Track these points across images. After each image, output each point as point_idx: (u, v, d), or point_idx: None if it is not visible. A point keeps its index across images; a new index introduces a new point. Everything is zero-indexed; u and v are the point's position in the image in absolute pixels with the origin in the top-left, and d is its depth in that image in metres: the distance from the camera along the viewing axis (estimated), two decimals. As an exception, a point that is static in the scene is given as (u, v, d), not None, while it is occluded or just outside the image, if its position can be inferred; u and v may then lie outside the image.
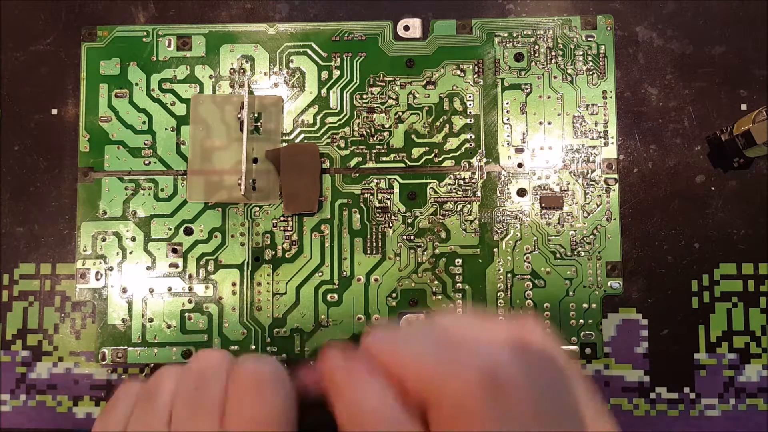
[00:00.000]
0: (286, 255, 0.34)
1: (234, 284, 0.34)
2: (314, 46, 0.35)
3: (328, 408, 0.20)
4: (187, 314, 0.34)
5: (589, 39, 0.35)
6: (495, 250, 0.34)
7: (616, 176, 0.34)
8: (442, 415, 0.17)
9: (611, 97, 0.34)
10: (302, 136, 0.35)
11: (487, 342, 0.18)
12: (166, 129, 0.35)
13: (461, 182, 0.34)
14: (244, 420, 0.19)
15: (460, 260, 0.34)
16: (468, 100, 0.35)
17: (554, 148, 0.34)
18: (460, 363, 0.17)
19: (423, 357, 0.18)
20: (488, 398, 0.17)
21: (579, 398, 0.18)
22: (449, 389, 0.17)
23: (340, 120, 0.35)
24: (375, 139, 0.35)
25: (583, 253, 0.34)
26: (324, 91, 0.35)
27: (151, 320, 0.34)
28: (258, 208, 0.34)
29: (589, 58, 0.35)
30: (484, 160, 0.34)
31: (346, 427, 0.18)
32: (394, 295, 0.34)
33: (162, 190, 0.35)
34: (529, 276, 0.34)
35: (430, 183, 0.34)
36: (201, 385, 0.20)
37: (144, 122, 0.35)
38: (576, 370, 0.19)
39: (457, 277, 0.34)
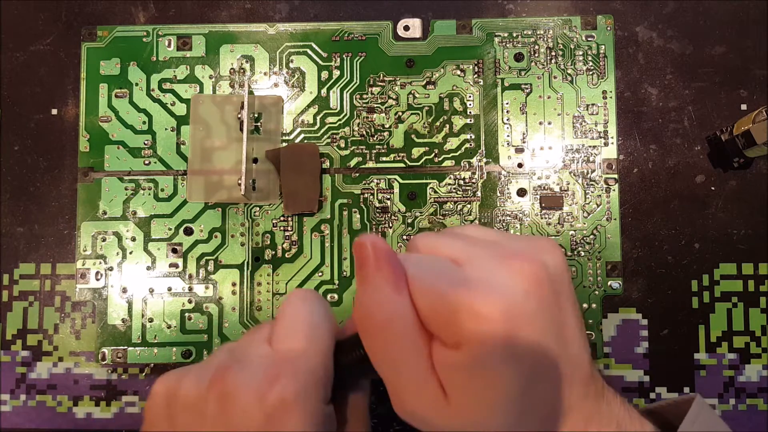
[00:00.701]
0: (286, 255, 0.34)
1: (234, 284, 0.34)
2: (314, 46, 0.35)
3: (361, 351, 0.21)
4: (187, 314, 0.34)
5: (589, 39, 0.35)
6: (495, 250, 0.34)
7: (616, 176, 0.34)
8: (462, 351, 0.19)
9: (611, 97, 0.34)
10: (302, 136, 0.35)
11: (503, 274, 0.20)
12: (166, 129, 0.35)
13: (461, 182, 0.34)
14: (285, 319, 0.22)
15: (460, 260, 0.34)
16: (468, 100, 0.35)
17: (554, 148, 0.34)
18: (474, 304, 0.19)
19: (437, 290, 0.19)
20: (504, 341, 0.18)
21: (570, 329, 0.20)
22: (465, 330, 0.19)
23: (340, 120, 0.35)
24: (375, 139, 0.35)
25: (583, 253, 0.34)
26: (324, 91, 0.35)
27: (151, 320, 0.34)
28: (258, 208, 0.34)
29: (589, 58, 0.35)
30: (484, 160, 0.34)
31: (357, 315, 0.20)
32: (394, 295, 0.34)
33: (162, 190, 0.35)
34: (529, 276, 0.34)
35: (430, 183, 0.34)
36: (254, 329, 0.23)
37: (144, 122, 0.35)
38: (573, 299, 0.21)
39: (457, 277, 0.34)
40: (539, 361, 0.19)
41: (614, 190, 0.34)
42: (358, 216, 0.34)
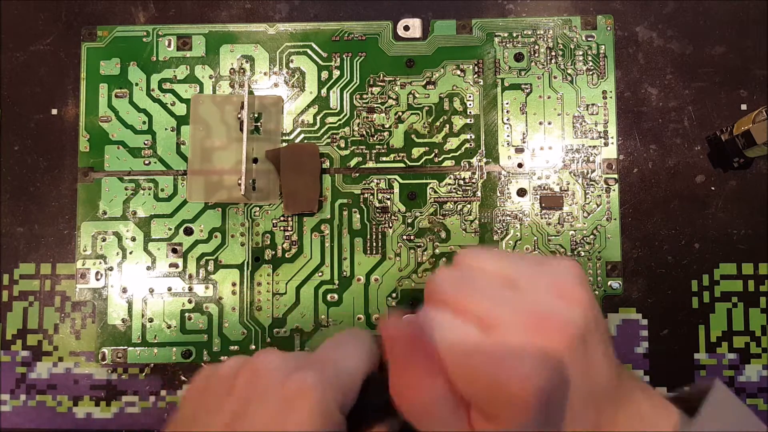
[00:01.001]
0: (286, 255, 0.34)
1: (234, 284, 0.34)
2: (314, 46, 0.35)
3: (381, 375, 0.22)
4: (187, 314, 0.34)
5: (589, 39, 0.35)
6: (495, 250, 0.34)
7: (616, 176, 0.34)
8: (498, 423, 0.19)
9: (611, 97, 0.34)
10: (302, 136, 0.35)
11: (534, 344, 0.20)
12: (166, 129, 0.35)
13: (461, 182, 0.34)
14: (329, 339, 0.24)
15: (460, 260, 0.34)
16: (468, 100, 0.35)
17: (554, 148, 0.34)
18: (509, 387, 0.19)
19: (472, 370, 0.20)
20: (538, 414, 0.19)
21: (597, 364, 0.21)
22: (500, 409, 0.19)
23: (340, 120, 0.35)
24: (375, 139, 0.35)
25: (583, 253, 0.34)
26: (324, 91, 0.35)
27: (151, 320, 0.34)
28: (258, 208, 0.34)
29: (589, 58, 0.35)
30: (484, 160, 0.34)
31: (396, 401, 0.21)
32: (394, 295, 0.34)
33: (162, 190, 0.35)
34: (529, 276, 0.34)
35: (430, 183, 0.34)
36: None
37: (144, 122, 0.35)
38: (602, 332, 0.21)
39: (457, 277, 0.34)
40: (571, 411, 0.20)
41: (614, 190, 0.34)
42: (358, 216, 0.34)
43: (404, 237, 0.34)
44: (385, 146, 0.35)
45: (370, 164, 0.34)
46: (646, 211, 0.34)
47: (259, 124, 0.35)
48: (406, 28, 0.35)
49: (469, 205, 0.34)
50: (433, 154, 0.34)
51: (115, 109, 0.35)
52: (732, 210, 0.34)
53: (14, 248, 0.35)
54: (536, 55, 0.35)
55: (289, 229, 0.34)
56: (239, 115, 0.34)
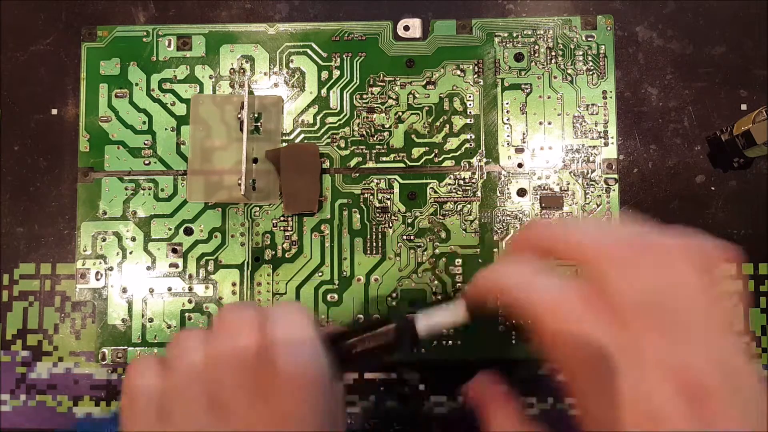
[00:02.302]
0: (286, 255, 0.34)
1: (234, 284, 0.34)
2: (314, 46, 0.35)
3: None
4: (187, 314, 0.34)
5: (589, 39, 0.35)
6: (495, 250, 0.34)
7: (616, 176, 0.34)
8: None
9: (611, 97, 0.34)
10: (302, 136, 0.35)
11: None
12: (166, 129, 0.35)
13: (461, 182, 0.34)
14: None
15: (460, 260, 0.34)
16: (468, 100, 0.35)
17: (554, 148, 0.34)
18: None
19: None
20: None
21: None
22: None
23: (340, 120, 0.35)
24: (375, 139, 0.35)
25: (583, 253, 0.34)
26: (324, 91, 0.35)
27: (151, 320, 0.34)
28: (258, 208, 0.34)
29: (589, 58, 0.35)
30: (484, 160, 0.34)
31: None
32: (394, 295, 0.34)
33: (162, 190, 0.35)
34: (529, 276, 0.34)
35: (430, 183, 0.34)
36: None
37: (144, 122, 0.35)
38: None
39: (457, 277, 0.34)
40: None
41: (614, 190, 0.34)
42: (358, 216, 0.34)
43: (404, 237, 0.34)
44: (385, 146, 0.35)
45: (370, 164, 0.34)
46: (646, 211, 0.34)
47: (259, 124, 0.35)
48: (406, 28, 0.35)
49: (469, 205, 0.34)
50: (433, 154, 0.34)
51: (115, 109, 0.35)
52: (732, 210, 0.34)
53: (14, 248, 0.35)
54: (536, 55, 0.35)
55: (289, 229, 0.34)
56: (239, 115, 0.34)
